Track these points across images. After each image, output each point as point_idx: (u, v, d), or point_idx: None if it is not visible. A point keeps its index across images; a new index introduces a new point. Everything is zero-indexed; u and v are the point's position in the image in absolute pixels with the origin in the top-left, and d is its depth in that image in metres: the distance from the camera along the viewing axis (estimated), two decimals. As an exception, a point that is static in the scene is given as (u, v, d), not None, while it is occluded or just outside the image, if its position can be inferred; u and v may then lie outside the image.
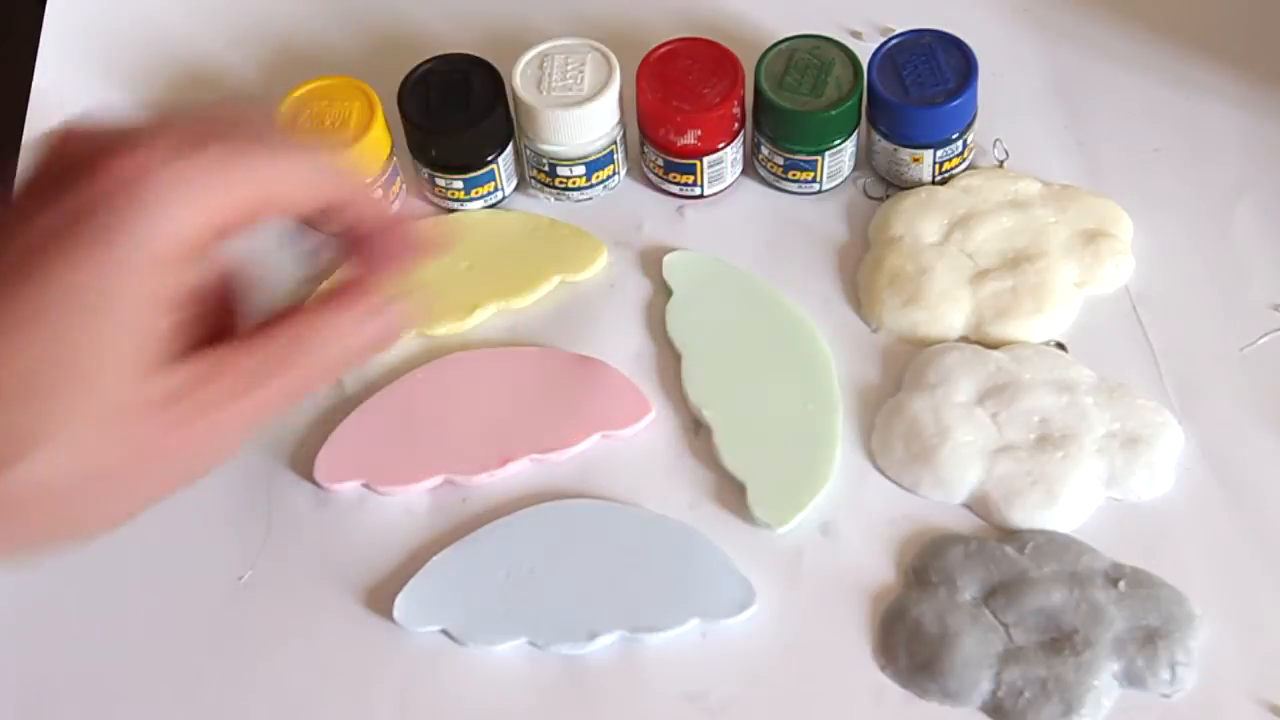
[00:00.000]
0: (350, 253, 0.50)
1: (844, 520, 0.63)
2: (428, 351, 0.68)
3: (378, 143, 0.69)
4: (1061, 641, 0.58)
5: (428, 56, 0.70)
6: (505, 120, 0.70)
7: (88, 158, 0.44)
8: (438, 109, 0.69)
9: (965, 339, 0.67)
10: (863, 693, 0.59)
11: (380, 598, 0.62)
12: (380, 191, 0.70)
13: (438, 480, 0.64)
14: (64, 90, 0.77)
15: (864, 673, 0.59)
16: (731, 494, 0.63)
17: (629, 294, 0.69)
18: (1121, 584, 0.60)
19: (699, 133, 0.68)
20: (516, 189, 0.72)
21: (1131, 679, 0.58)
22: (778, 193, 0.72)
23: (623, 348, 0.68)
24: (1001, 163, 0.71)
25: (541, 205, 0.72)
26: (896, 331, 0.67)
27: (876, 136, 0.70)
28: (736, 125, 0.69)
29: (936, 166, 0.70)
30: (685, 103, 0.68)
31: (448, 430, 0.65)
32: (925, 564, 0.61)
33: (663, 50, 0.70)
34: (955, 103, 0.67)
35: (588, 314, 0.69)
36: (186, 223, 0.44)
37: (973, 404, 0.64)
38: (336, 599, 0.62)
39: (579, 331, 0.68)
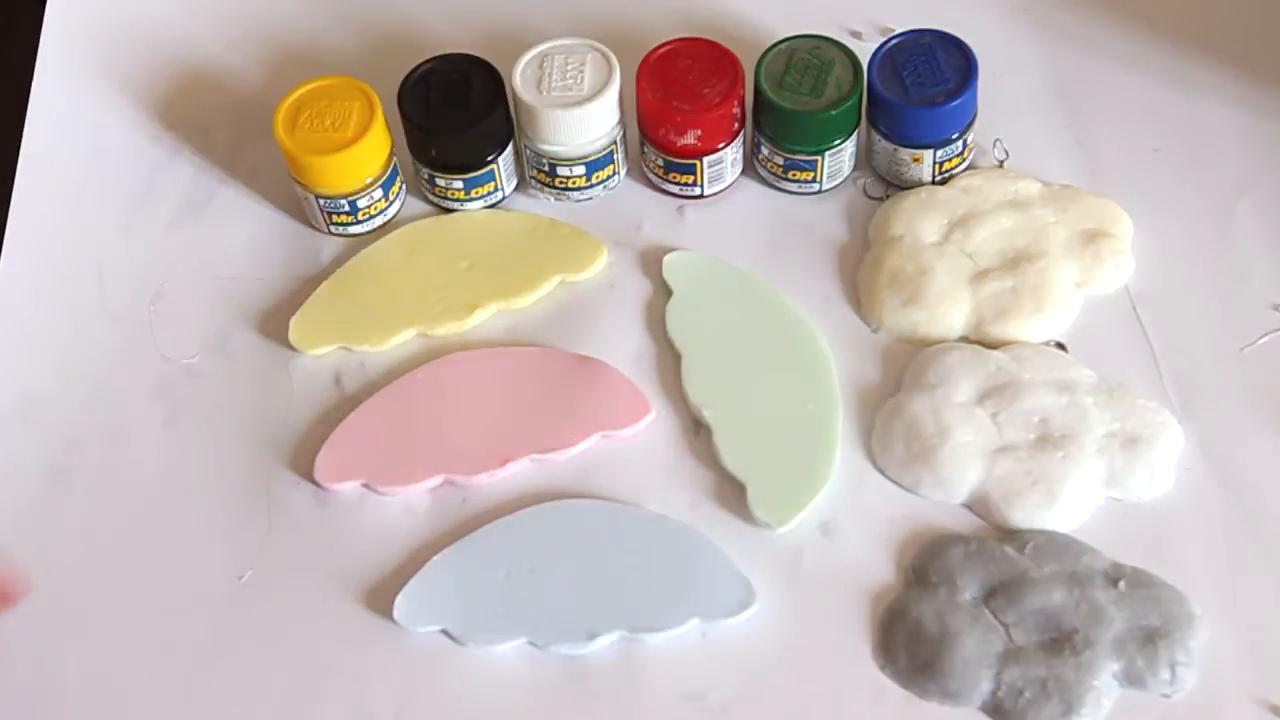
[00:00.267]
0: None
1: (844, 520, 0.63)
2: (428, 351, 0.68)
3: (378, 143, 0.69)
4: (1061, 641, 0.58)
5: (428, 56, 0.70)
6: (505, 120, 0.70)
7: None
8: (438, 109, 0.69)
9: (965, 339, 0.67)
10: (863, 693, 0.59)
11: (380, 598, 0.62)
12: (381, 191, 0.70)
13: (438, 480, 0.64)
14: (64, 90, 0.77)
15: (864, 673, 0.59)
16: (731, 494, 0.63)
17: (629, 294, 0.69)
18: (1121, 584, 0.60)
19: (699, 133, 0.68)
20: (516, 189, 0.72)
21: (1131, 679, 0.58)
22: (778, 193, 0.72)
23: (623, 348, 0.68)
24: (1001, 163, 0.71)
25: (541, 205, 0.72)
26: (896, 331, 0.67)
27: (876, 136, 0.70)
28: (736, 125, 0.69)
29: (936, 166, 0.70)
30: (685, 103, 0.68)
31: (448, 430, 0.65)
32: (925, 564, 0.61)
33: (663, 50, 0.69)
34: (955, 103, 0.67)
35: (588, 314, 0.69)
36: None
37: (973, 404, 0.64)
38: (336, 599, 0.62)
39: (579, 331, 0.68)
